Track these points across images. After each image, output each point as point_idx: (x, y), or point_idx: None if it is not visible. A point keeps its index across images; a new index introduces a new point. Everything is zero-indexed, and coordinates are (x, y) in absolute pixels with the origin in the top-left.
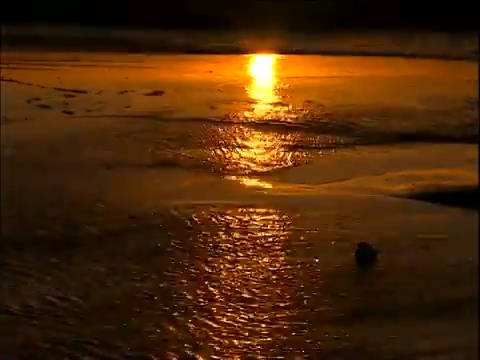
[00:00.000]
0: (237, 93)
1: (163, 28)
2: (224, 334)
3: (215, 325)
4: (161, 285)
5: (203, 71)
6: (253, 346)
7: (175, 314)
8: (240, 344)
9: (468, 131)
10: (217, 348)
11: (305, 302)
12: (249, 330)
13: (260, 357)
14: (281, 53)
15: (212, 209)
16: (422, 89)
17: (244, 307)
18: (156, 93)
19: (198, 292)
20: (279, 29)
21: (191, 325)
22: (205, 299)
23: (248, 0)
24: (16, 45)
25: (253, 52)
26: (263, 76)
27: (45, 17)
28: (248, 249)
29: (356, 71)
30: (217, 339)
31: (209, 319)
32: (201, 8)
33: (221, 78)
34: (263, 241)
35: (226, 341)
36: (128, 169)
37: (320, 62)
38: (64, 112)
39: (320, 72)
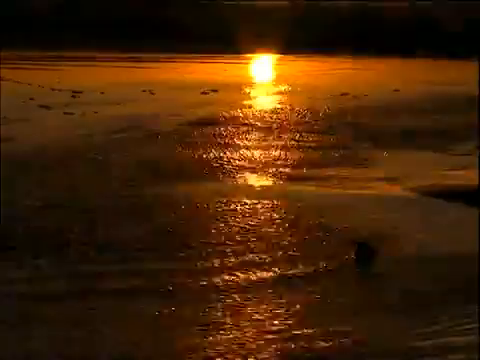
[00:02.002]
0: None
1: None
2: (222, 338)
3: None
4: None
5: (217, 71)
6: (254, 341)
7: None
8: (240, 338)
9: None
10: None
11: (304, 301)
12: (250, 325)
13: (260, 352)
14: (279, 53)
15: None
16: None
17: (245, 304)
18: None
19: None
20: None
21: None
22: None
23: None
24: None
25: (251, 53)
26: (264, 75)
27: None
28: (248, 246)
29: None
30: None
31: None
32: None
33: (241, 77)
34: (262, 238)
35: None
36: None
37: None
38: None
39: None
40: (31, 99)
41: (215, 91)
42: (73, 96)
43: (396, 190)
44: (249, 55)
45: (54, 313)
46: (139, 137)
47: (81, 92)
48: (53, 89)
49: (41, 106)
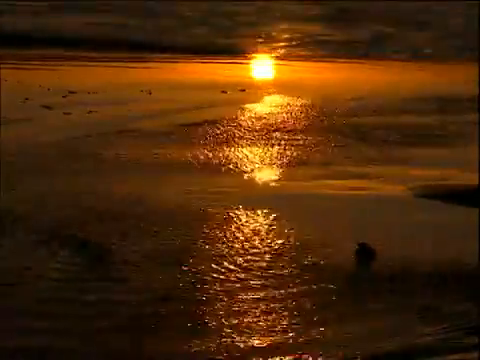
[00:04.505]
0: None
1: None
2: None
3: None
4: None
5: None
6: (254, 341)
7: None
8: (243, 338)
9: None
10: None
11: (305, 300)
12: (250, 325)
13: (260, 352)
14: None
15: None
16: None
17: (248, 302)
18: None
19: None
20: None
21: None
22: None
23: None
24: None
25: (250, 54)
26: (263, 76)
27: None
28: (249, 247)
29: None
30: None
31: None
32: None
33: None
34: (263, 239)
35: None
36: None
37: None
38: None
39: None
40: (27, 99)
41: (224, 92)
42: (65, 96)
43: (396, 190)
44: (251, 56)
45: None
46: (135, 137)
47: (80, 92)
48: (53, 89)
49: (40, 106)
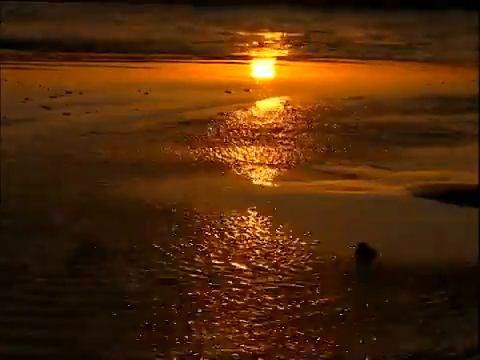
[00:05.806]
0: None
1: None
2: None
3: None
4: None
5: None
6: (254, 339)
7: None
8: (241, 338)
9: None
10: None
11: (305, 300)
12: (251, 324)
13: (258, 348)
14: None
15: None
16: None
17: (247, 302)
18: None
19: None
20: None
21: None
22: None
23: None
24: None
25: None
26: (263, 76)
27: None
28: (246, 247)
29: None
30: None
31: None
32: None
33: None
34: (262, 239)
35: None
36: None
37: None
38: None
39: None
40: (27, 99)
41: (228, 92)
42: (64, 96)
43: (395, 190)
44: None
45: None
46: (135, 137)
47: (79, 92)
48: (52, 89)
49: (40, 106)
